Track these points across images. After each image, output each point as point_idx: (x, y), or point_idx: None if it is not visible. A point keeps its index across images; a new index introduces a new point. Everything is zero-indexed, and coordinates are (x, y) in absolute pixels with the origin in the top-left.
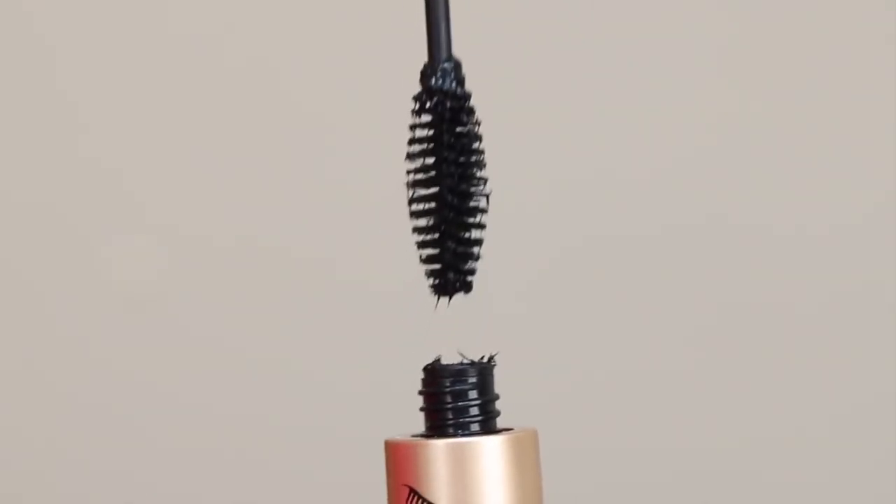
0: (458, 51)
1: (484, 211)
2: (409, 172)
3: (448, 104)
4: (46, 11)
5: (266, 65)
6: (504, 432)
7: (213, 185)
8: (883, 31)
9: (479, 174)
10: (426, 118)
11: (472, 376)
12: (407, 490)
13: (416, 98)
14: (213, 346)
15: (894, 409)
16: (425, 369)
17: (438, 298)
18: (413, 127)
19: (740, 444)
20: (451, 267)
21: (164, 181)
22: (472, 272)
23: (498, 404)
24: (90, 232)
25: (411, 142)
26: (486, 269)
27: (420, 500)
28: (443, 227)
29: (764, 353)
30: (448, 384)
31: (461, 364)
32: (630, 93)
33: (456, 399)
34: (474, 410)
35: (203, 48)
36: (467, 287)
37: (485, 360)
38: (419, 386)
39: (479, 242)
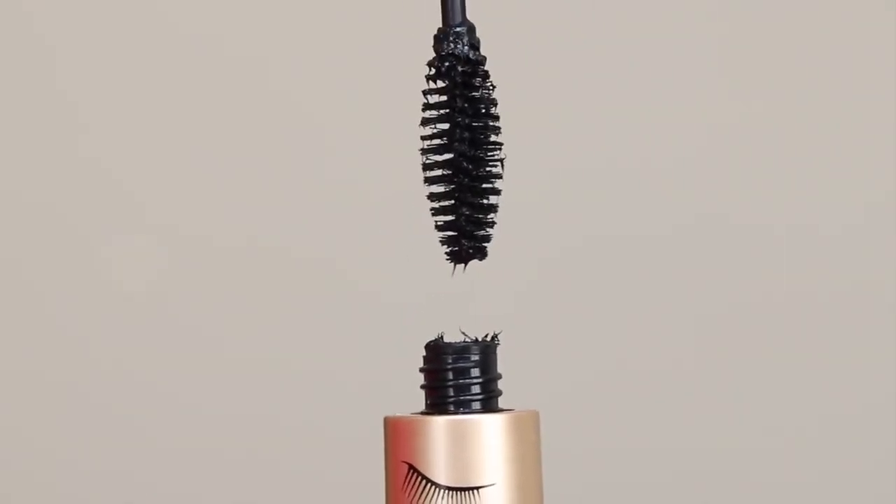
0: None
1: (499, 176)
2: (423, 139)
3: (460, 68)
4: (46, 11)
5: (266, 65)
6: (505, 411)
7: (213, 185)
8: (883, 31)
9: (493, 139)
10: (439, 83)
11: (475, 354)
12: (406, 467)
13: (430, 63)
14: (212, 347)
15: (894, 408)
16: (427, 346)
17: (454, 266)
18: (427, 92)
19: (740, 444)
20: (465, 234)
21: (164, 181)
22: (487, 239)
23: (500, 385)
24: (90, 232)
25: (425, 107)
26: (486, 269)
27: (419, 477)
28: (457, 194)
29: (764, 353)
30: (450, 361)
31: (464, 341)
32: (631, 92)
33: (457, 376)
34: (476, 388)
35: (203, 48)
36: (482, 254)
37: (488, 338)
38: (417, 386)
39: (493, 208)
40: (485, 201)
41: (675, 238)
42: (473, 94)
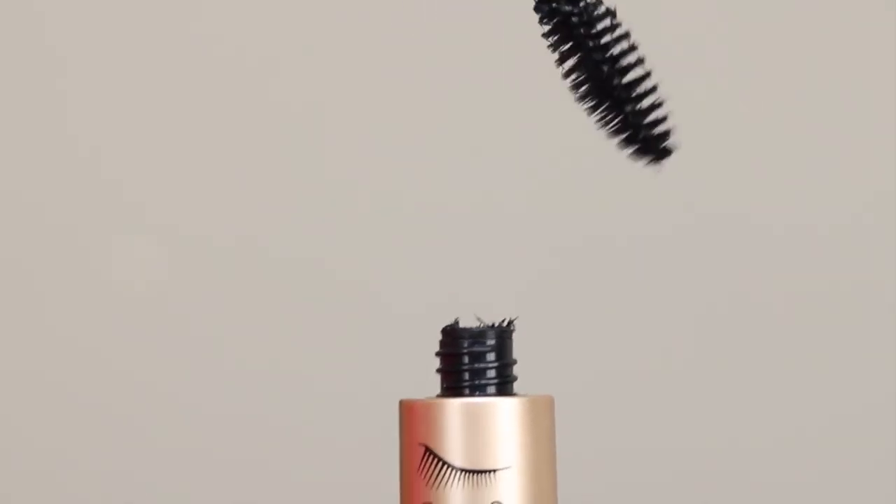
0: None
1: (648, 76)
2: (571, 89)
3: (565, 7)
4: (46, 11)
5: (266, 65)
6: (520, 396)
7: (213, 186)
8: (884, 31)
9: (626, 50)
10: (556, 34)
11: (491, 338)
12: (422, 449)
13: (540, 16)
14: (213, 347)
15: (895, 409)
16: (444, 330)
17: (653, 165)
18: (550, 47)
19: (743, 444)
20: (648, 138)
21: (165, 182)
22: (670, 133)
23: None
24: (90, 233)
25: (557, 61)
26: (488, 271)
27: (435, 459)
28: (623, 117)
29: (766, 353)
30: (466, 345)
31: (480, 326)
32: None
33: (474, 360)
34: (491, 373)
35: (203, 49)
36: (668, 152)
37: (504, 323)
38: (417, 392)
39: (660, 105)
40: (645, 104)
41: (675, 238)
42: (590, 28)
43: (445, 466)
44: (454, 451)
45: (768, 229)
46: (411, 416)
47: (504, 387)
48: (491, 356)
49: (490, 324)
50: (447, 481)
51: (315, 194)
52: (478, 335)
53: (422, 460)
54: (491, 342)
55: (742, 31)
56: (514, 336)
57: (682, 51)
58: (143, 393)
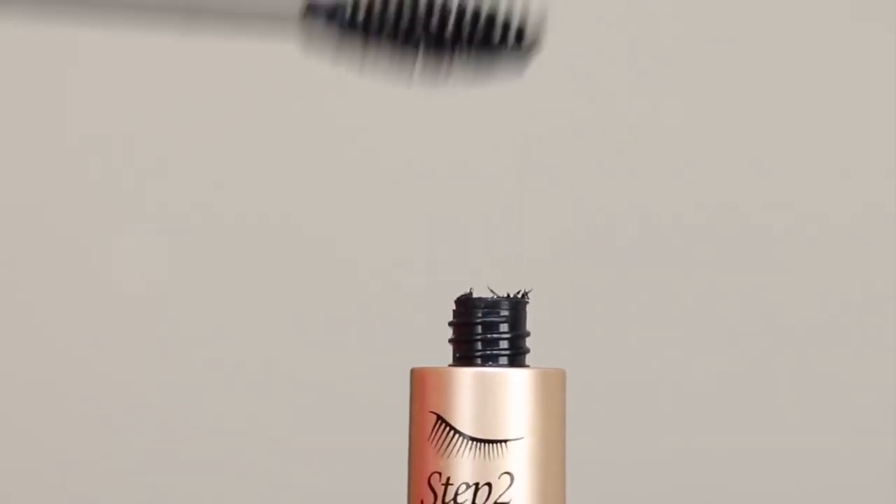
0: None
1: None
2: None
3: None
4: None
5: (265, 63)
6: (533, 368)
7: (212, 187)
8: (885, 30)
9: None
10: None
11: (505, 309)
12: (434, 417)
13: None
14: (213, 347)
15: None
16: (458, 300)
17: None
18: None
19: (743, 433)
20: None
21: (164, 182)
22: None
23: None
24: (89, 232)
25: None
26: (491, 271)
27: (447, 428)
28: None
29: (770, 358)
30: (480, 315)
31: (494, 297)
32: (637, 91)
33: (487, 330)
34: (504, 343)
35: (202, 49)
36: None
37: (518, 295)
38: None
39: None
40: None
41: (676, 239)
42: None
43: (457, 435)
44: (465, 420)
45: (767, 230)
46: (423, 385)
47: (517, 358)
48: (504, 326)
49: (505, 294)
50: (458, 450)
51: (314, 196)
52: (492, 305)
53: (433, 429)
54: (505, 313)
55: (744, 31)
56: (528, 311)
57: (685, 51)
58: (142, 393)
